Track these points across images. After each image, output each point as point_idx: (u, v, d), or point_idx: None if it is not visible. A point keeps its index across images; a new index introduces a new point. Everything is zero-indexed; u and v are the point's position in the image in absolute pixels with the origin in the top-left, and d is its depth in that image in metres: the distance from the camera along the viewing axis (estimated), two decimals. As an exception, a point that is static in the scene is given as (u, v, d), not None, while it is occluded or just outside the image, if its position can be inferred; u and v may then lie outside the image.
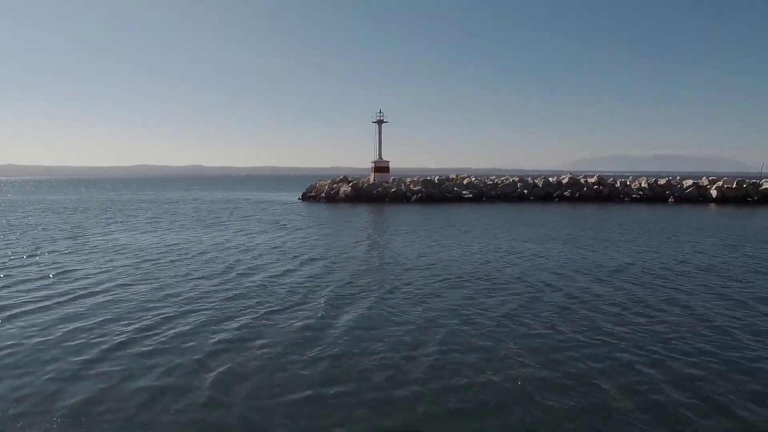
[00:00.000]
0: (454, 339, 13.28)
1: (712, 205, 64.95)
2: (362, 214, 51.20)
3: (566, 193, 71.98)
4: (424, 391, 10.22)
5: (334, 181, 74.30)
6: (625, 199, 71.08)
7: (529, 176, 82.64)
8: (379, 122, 77.53)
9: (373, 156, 77.34)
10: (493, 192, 72.70)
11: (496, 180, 77.81)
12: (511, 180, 76.86)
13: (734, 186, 70.27)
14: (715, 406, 9.63)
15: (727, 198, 68.81)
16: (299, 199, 75.84)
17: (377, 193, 69.51)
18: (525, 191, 73.06)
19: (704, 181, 73.24)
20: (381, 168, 76.19)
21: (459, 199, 69.99)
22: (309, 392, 10.21)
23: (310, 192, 75.07)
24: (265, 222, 44.36)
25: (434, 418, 9.23)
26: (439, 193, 70.55)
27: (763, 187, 69.83)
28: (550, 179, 76.57)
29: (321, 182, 77.05)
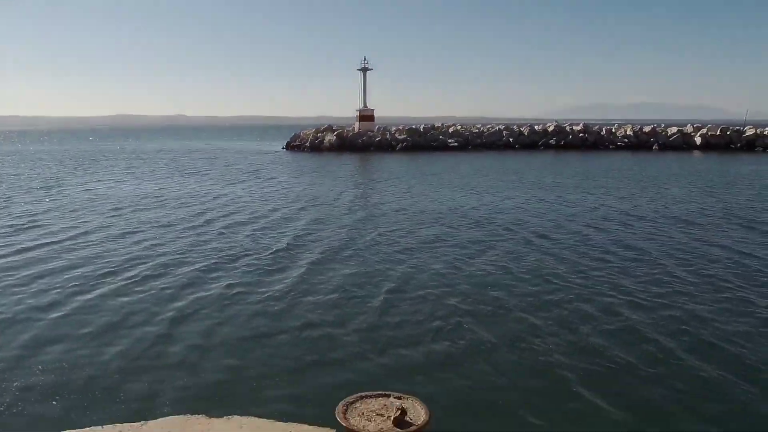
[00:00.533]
0: (437, 282, 13.37)
1: (696, 152, 65.41)
2: (347, 164, 50.90)
3: (551, 141, 71.90)
4: (407, 335, 10.33)
5: (318, 131, 73.43)
6: (610, 147, 71.20)
7: (514, 124, 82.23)
8: (364, 70, 76.23)
9: (358, 105, 76.39)
10: (478, 140, 72.39)
11: (481, 128, 77.38)
12: (496, 128, 76.48)
13: (718, 133, 70.66)
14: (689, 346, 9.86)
15: (711, 145, 69.23)
16: (283, 148, 75.02)
17: (362, 142, 68.92)
18: (511, 139, 72.85)
19: (689, 129, 73.49)
20: (366, 117, 75.29)
21: (444, 147, 69.66)
22: (285, 336, 10.25)
23: (294, 141, 74.23)
24: (246, 171, 43.90)
25: (416, 360, 9.34)
26: (424, 141, 70.11)
27: (747, 134, 70.32)
28: (536, 127, 76.34)
29: (305, 131, 76.12)
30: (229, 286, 13.26)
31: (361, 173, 42.57)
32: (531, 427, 7.36)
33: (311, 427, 3.60)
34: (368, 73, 76.45)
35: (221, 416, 3.72)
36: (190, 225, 21.02)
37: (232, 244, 17.67)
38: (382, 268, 14.89)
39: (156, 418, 3.70)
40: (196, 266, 15.01)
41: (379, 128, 73.72)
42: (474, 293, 12.69)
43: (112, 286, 13.25)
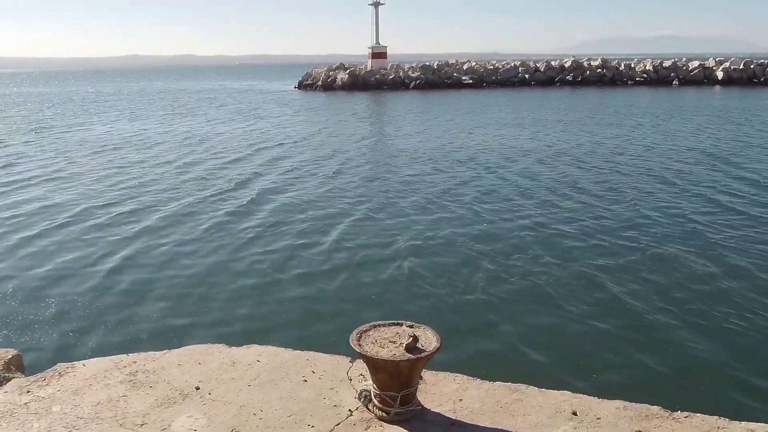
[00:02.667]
0: (438, 225, 13.39)
1: (717, 87, 63.72)
2: (361, 102, 50.39)
3: (569, 77, 70.30)
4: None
5: (330, 69, 72.32)
6: (629, 83, 69.55)
7: (530, 60, 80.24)
8: (376, 4, 74.33)
9: (371, 42, 74.76)
10: (493, 77, 70.98)
11: (496, 65, 75.70)
12: (512, 65, 74.77)
13: (741, 67, 68.55)
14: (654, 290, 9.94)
15: (733, 80, 67.30)
16: (295, 87, 74.21)
17: (375, 80, 67.87)
18: (526, 76, 71.31)
19: (710, 63, 71.33)
20: (378, 54, 73.86)
21: (459, 85, 68.41)
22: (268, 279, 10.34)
23: (306, 80, 73.32)
24: (265, 112, 43.79)
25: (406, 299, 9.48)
26: (438, 79, 68.87)
27: (771, 67, 68.12)
28: (553, 63, 74.51)
29: (317, 70, 75.01)
30: (249, 222, 13.53)
31: (375, 112, 42.20)
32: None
33: (327, 354, 3.75)
34: (380, 8, 74.57)
35: (241, 345, 3.88)
36: (241, 155, 22.02)
37: (264, 180, 17.99)
38: (404, 211, 14.97)
39: (178, 347, 3.88)
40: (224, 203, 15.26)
41: (392, 66, 72.41)
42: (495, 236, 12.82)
43: (125, 221, 13.54)
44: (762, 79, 67.12)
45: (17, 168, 21.03)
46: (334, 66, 73.49)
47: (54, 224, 13.60)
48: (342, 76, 68.34)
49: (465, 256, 11.08)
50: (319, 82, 69.79)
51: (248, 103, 52.29)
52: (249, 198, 15.91)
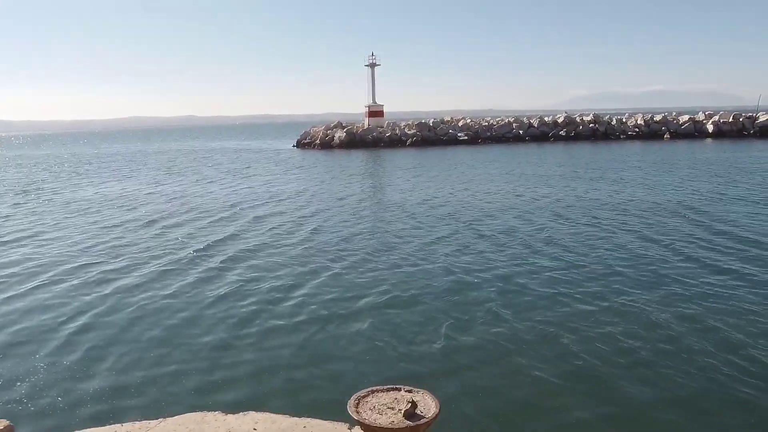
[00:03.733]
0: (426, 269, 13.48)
1: (708, 140, 64.76)
2: (358, 160, 51.05)
3: (562, 133, 71.50)
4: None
5: (328, 127, 73.60)
6: (621, 137, 70.68)
7: (524, 116, 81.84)
8: (372, 65, 76.16)
9: (367, 100, 76.35)
10: (488, 133, 72.16)
11: (491, 121, 77.10)
12: (506, 121, 76.18)
13: (730, 120, 69.91)
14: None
15: (723, 132, 68.48)
16: (294, 146, 75.30)
17: (372, 138, 68.98)
18: (520, 131, 72.54)
19: (700, 116, 72.76)
20: (375, 112, 75.30)
21: (454, 141, 69.51)
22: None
23: (305, 139, 74.47)
24: (264, 170, 44.27)
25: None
26: (434, 135, 70.04)
27: (760, 120, 69.49)
28: (546, 119, 75.94)
29: (315, 129, 76.29)
30: (242, 280, 13.47)
31: (373, 169, 42.67)
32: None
33: (325, 421, 3.68)
34: (376, 68, 76.44)
35: (236, 413, 3.80)
36: (226, 214, 21.73)
37: (244, 239, 18.01)
38: (390, 262, 15.00)
39: (173, 416, 3.79)
40: (213, 259, 15.22)
41: (388, 123, 73.72)
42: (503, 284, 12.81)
43: (123, 282, 13.47)
44: (752, 131, 68.36)
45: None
46: (332, 124, 74.80)
47: (29, 285, 13.62)
48: (339, 135, 69.47)
49: (428, 313, 11.19)
50: (317, 141, 70.86)
51: (242, 162, 53.03)
52: (226, 257, 15.90)
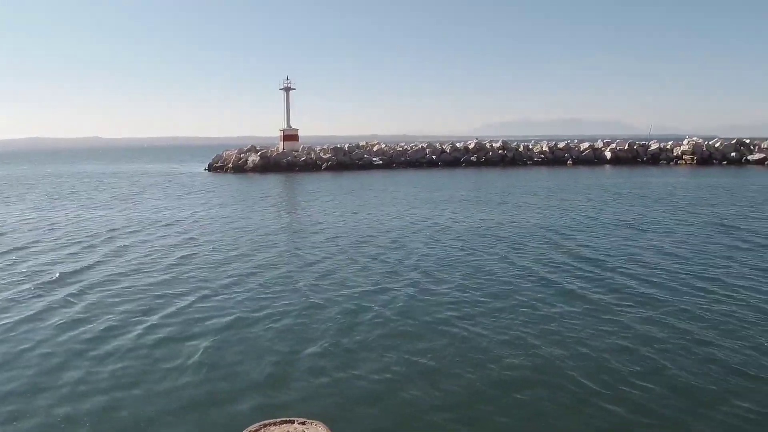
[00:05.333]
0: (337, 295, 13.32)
1: (607, 167, 68.96)
2: (272, 184, 50.31)
3: (473, 158, 73.88)
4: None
5: (241, 151, 72.28)
6: (528, 163, 73.97)
7: (437, 142, 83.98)
8: (287, 89, 75.86)
9: (282, 124, 75.84)
10: (402, 158, 73.40)
11: (405, 146, 78.51)
12: (420, 146, 77.87)
13: (626, 147, 74.92)
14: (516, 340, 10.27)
15: (620, 159, 73.21)
16: (205, 170, 73.30)
17: (287, 162, 68.39)
18: (434, 157, 74.30)
19: (599, 144, 77.50)
20: (290, 136, 74.82)
21: (370, 166, 70.18)
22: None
23: (217, 162, 72.69)
24: (168, 196, 42.55)
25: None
26: (349, 160, 70.40)
27: (651, 148, 74.92)
28: (458, 145, 78.26)
29: (228, 152, 74.73)
30: (129, 311, 12.73)
31: (279, 192, 42.14)
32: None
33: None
34: (291, 92, 76.19)
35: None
36: (96, 242, 20.08)
37: (108, 267, 17.03)
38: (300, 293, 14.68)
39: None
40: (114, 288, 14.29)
41: (303, 148, 73.46)
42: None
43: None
44: (645, 158, 73.51)
45: None
46: (246, 148, 73.55)
47: None
48: (253, 158, 68.37)
49: (303, 339, 11.11)
50: (230, 164, 69.37)
51: (140, 187, 50.25)
52: (72, 288, 15.00)
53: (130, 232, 24.45)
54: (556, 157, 74.97)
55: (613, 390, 8.84)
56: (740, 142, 74.09)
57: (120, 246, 21.08)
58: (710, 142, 74.90)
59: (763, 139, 77.17)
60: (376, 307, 13.01)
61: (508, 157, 74.73)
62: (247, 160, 68.78)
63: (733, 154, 70.82)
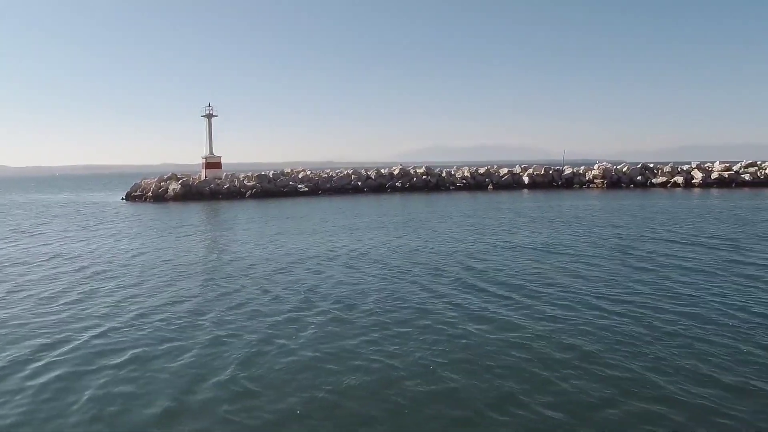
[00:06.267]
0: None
1: (525, 191, 71.88)
2: (194, 213, 49.06)
3: (398, 184, 75.09)
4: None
5: (161, 179, 70.21)
6: (451, 188, 75.96)
7: (362, 168, 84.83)
8: (209, 116, 74.68)
9: (204, 152, 74.42)
10: (328, 185, 73.61)
11: (330, 173, 78.84)
12: (345, 172, 78.40)
13: (542, 172, 78.43)
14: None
15: (537, 183, 76.52)
16: (123, 199, 70.55)
17: (210, 190, 67.01)
18: (359, 183, 74.95)
19: (517, 169, 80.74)
20: (212, 164, 73.53)
21: (295, 193, 69.91)
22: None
23: (135, 191, 70.18)
24: (79, 226, 40.61)
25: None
26: (274, 187, 69.86)
27: (565, 172, 78.81)
28: (383, 171, 79.35)
29: (147, 180, 72.37)
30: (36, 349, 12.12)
31: (206, 223, 41.21)
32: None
33: None
34: (214, 119, 75.07)
35: None
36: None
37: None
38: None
39: None
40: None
41: (227, 175, 72.26)
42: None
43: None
44: (560, 182, 77.19)
45: None
46: (166, 176, 71.55)
47: None
48: (174, 187, 66.57)
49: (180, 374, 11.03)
50: (149, 193, 67.18)
51: (44, 218, 47.20)
52: None
53: (29, 267, 23.05)
54: (478, 182, 77.43)
55: (507, 413, 9.32)
56: (645, 167, 79.31)
57: (15, 283, 19.82)
58: (618, 167, 79.71)
59: (665, 164, 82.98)
60: (282, 339, 12.92)
61: (432, 183, 76.48)
62: (167, 188, 66.88)
63: (639, 177, 75.66)
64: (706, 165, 77.94)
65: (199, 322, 14.47)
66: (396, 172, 77.76)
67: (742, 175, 73.42)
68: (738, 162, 78.97)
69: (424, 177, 77.24)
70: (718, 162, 79.22)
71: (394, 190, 73.86)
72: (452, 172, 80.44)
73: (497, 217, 39.92)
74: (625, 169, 78.09)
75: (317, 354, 11.92)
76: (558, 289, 17.31)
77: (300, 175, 75.57)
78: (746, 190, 66.99)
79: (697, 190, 67.75)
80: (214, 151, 74.66)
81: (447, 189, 75.41)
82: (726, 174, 73.66)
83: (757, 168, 75.56)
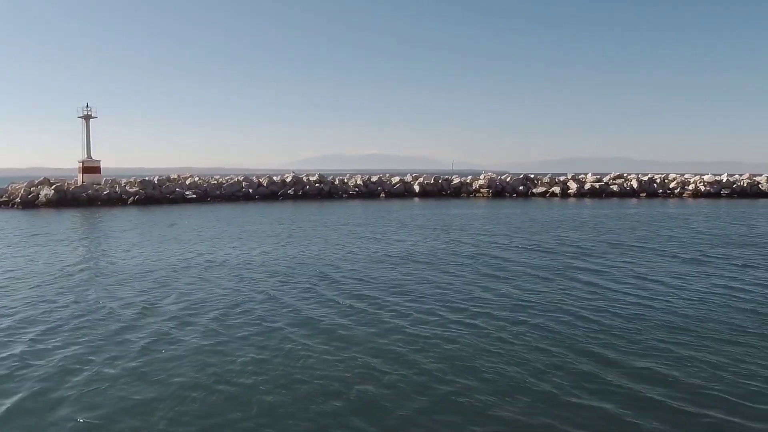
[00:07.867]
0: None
1: (416, 199, 73.71)
2: (65, 220, 45.70)
3: (290, 192, 74.32)
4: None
5: (31, 184, 64.81)
6: (344, 196, 76.32)
7: (254, 176, 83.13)
8: (87, 117, 70.11)
9: (81, 155, 69.74)
10: (218, 192, 71.45)
11: (220, 180, 76.61)
12: (236, 179, 76.50)
13: (432, 181, 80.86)
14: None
15: (427, 192, 78.75)
16: (-15, 205, 64.32)
17: (87, 196, 62.79)
18: (250, 190, 73.40)
19: (408, 178, 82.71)
20: (90, 168, 69.09)
21: (182, 200, 67.18)
22: None
23: (1, 197, 64.31)
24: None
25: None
26: (159, 194, 66.73)
27: (454, 182, 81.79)
28: (275, 178, 78.27)
29: (14, 185, 66.53)
30: None
31: (77, 231, 38.53)
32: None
33: None
34: (92, 120, 70.54)
35: None
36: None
37: None
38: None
39: None
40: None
41: (106, 180, 68.09)
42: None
43: None
44: (449, 191, 79.97)
45: None
46: (37, 181, 66.18)
47: None
48: (46, 192, 61.70)
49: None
50: (18, 199, 61.81)
51: None
52: None
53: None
54: (370, 191, 78.39)
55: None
56: (526, 177, 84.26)
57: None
58: (502, 177, 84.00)
59: (545, 175, 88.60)
60: (102, 360, 12.02)
61: (325, 191, 76.44)
62: (38, 194, 61.87)
63: (521, 187, 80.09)
64: (580, 176, 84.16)
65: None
66: (288, 180, 76.96)
67: (611, 186, 79.94)
68: (607, 174, 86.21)
69: (317, 185, 77.03)
70: (590, 174, 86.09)
71: (287, 197, 73.03)
72: (345, 180, 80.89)
73: (375, 224, 40.42)
74: (508, 180, 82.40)
75: (138, 378, 11.01)
76: (414, 297, 17.52)
77: (188, 182, 72.80)
78: (615, 199, 73.09)
79: (572, 200, 72.86)
80: (92, 155, 70.21)
81: (340, 197, 75.67)
82: (597, 185, 79.92)
83: (623, 180, 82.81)
